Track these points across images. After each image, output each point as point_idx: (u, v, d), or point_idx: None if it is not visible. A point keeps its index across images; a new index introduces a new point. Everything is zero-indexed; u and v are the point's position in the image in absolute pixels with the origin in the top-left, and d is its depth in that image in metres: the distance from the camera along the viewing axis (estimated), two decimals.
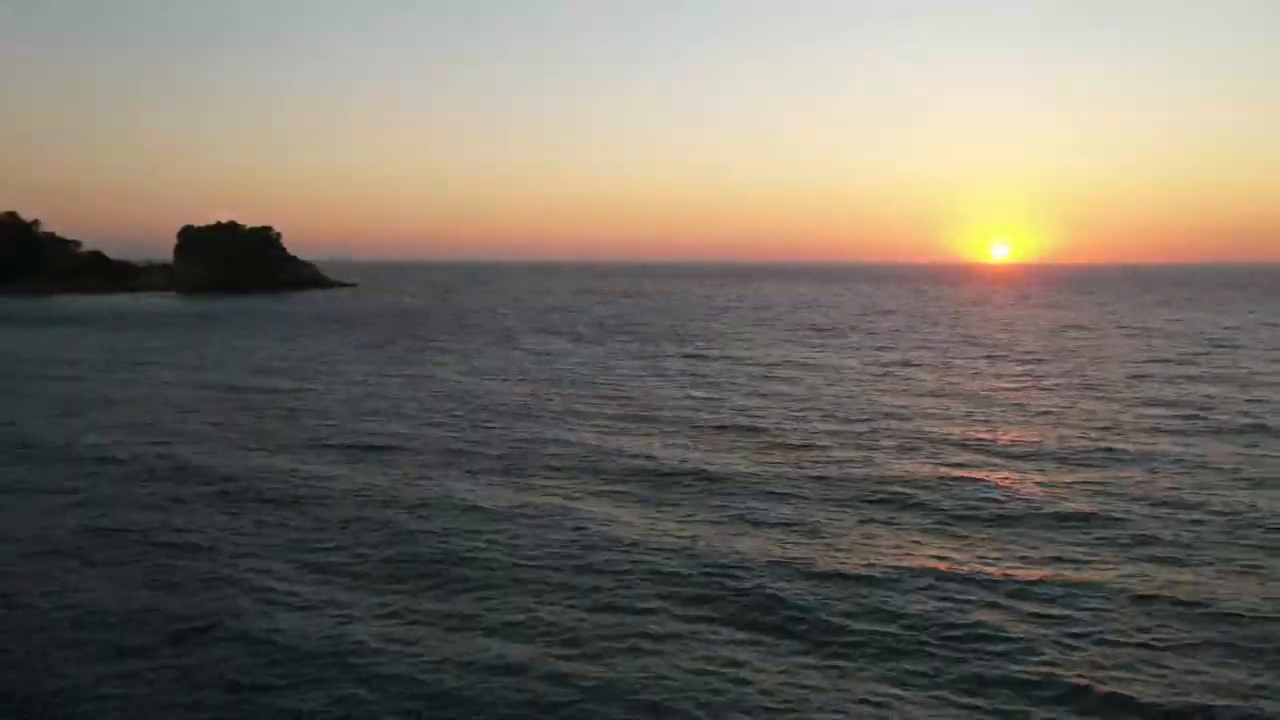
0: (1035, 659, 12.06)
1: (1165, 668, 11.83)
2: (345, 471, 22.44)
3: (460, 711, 10.92)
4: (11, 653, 12.51)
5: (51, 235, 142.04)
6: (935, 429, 27.36)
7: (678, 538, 16.98)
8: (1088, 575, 14.95)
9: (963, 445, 25.13)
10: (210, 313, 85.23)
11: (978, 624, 13.09)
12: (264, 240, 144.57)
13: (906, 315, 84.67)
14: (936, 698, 11.13)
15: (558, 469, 22.66)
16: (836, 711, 10.82)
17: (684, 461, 23.14)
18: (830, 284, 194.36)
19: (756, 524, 17.93)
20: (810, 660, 12.15)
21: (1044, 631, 12.86)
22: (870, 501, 19.50)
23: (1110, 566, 15.38)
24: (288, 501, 19.78)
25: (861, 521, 18.08)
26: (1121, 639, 12.63)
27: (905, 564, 15.53)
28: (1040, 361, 44.86)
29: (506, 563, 15.78)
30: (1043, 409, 30.78)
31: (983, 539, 16.96)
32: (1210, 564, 15.51)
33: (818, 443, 25.45)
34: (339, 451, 24.79)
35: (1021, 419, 29.03)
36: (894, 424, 28.16)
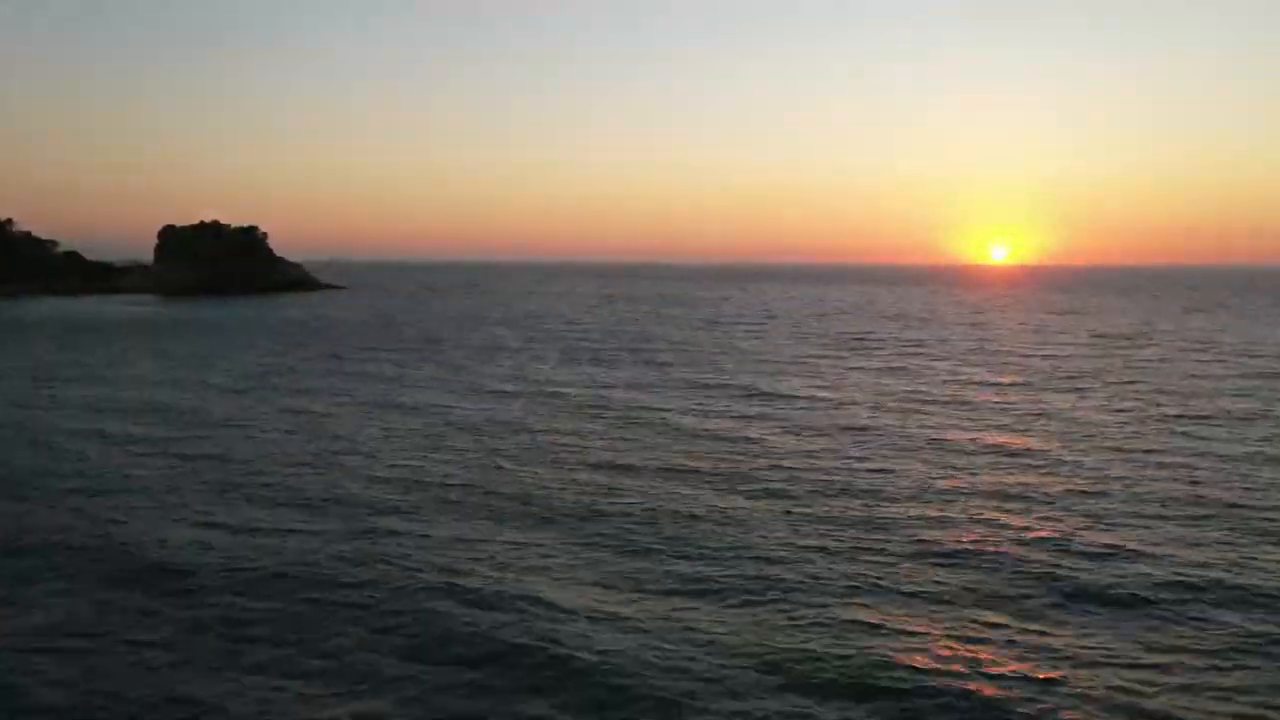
0: None
1: None
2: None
3: None
4: None
5: (28, 234, 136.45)
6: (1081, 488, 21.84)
7: None
8: None
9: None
10: (173, 319, 79.46)
11: None
12: (249, 241, 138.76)
13: (944, 325, 79.23)
14: None
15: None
16: None
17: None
18: (831, 286, 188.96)
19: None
20: None
21: None
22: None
23: None
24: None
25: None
26: None
27: None
28: (1113, 385, 39.30)
29: None
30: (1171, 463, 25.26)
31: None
32: None
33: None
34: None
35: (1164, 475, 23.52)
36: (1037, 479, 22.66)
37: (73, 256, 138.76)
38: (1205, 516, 19.19)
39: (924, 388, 38.41)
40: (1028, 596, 14.85)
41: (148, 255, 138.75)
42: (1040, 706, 11.28)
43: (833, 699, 11.51)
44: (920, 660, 12.50)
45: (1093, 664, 12.42)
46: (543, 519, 19.36)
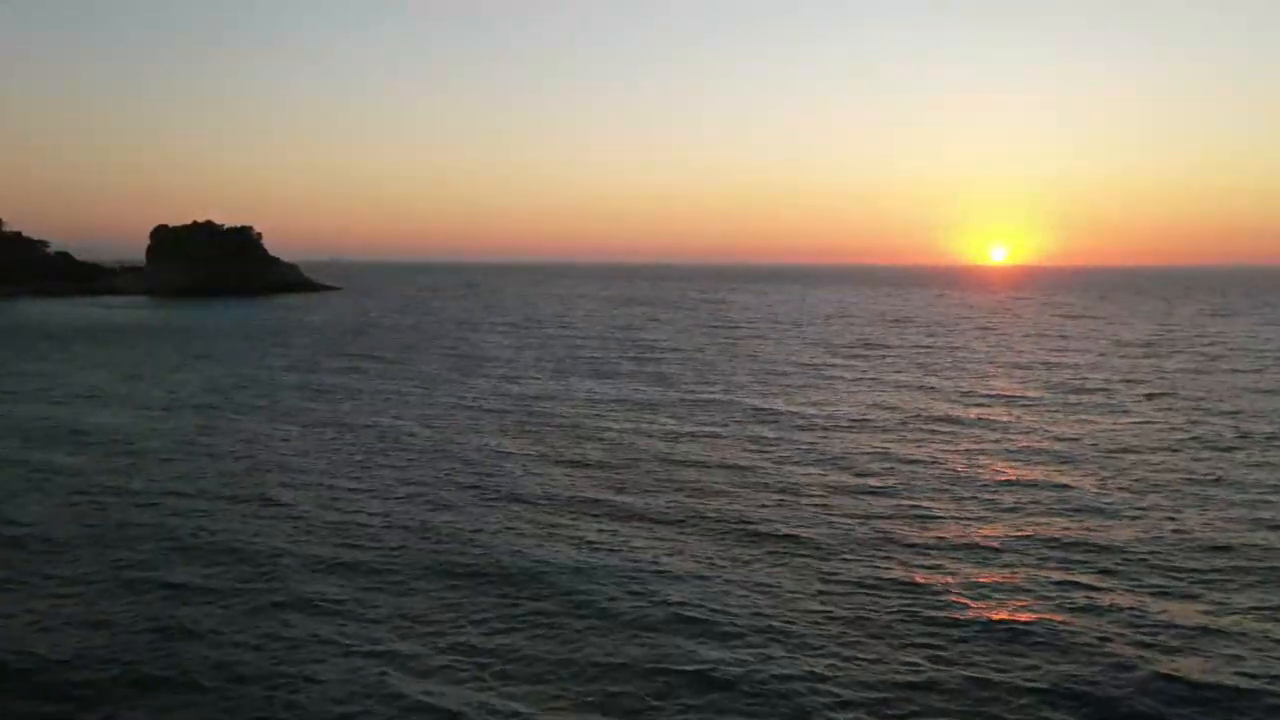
0: None
1: None
2: None
3: None
4: None
5: (18, 235, 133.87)
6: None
7: None
8: None
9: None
10: (151, 324, 76.60)
11: None
12: (243, 241, 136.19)
13: (971, 331, 76.51)
14: None
15: None
16: None
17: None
18: (834, 288, 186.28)
19: None
20: None
21: None
22: None
23: None
24: None
25: None
26: None
27: None
28: (1148, 398, 36.53)
29: None
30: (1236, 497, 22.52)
31: None
32: None
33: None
34: None
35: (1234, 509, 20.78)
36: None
37: (64, 258, 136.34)
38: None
39: (947, 406, 35.65)
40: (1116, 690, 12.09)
41: (142, 256, 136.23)
42: None
43: None
44: None
45: None
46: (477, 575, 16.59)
